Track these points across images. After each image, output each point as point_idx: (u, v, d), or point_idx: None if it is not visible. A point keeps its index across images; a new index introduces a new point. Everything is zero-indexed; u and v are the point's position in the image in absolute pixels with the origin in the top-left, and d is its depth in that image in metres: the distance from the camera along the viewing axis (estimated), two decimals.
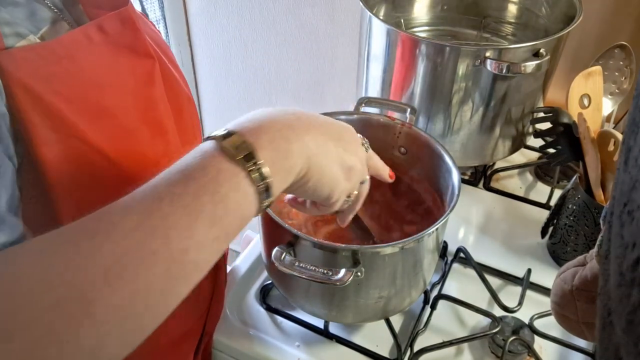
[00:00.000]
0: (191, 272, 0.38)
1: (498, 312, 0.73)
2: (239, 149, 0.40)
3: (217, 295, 0.73)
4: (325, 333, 0.72)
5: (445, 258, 0.81)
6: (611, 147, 0.72)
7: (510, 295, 0.77)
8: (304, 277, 0.55)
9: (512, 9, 1.01)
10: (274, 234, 0.63)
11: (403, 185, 0.77)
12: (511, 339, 0.69)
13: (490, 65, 0.77)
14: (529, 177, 0.99)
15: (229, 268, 0.82)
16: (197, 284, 0.61)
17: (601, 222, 0.52)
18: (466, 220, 0.90)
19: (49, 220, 0.48)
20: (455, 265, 0.82)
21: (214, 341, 0.74)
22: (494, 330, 0.70)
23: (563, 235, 0.79)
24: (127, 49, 0.53)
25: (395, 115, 0.76)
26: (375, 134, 0.77)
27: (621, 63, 0.85)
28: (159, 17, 1.70)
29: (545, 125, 0.81)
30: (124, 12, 0.52)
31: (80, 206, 0.42)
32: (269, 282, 0.77)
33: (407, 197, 0.76)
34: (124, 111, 0.52)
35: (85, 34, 0.50)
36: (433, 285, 0.78)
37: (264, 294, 0.78)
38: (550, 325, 0.71)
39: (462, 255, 0.81)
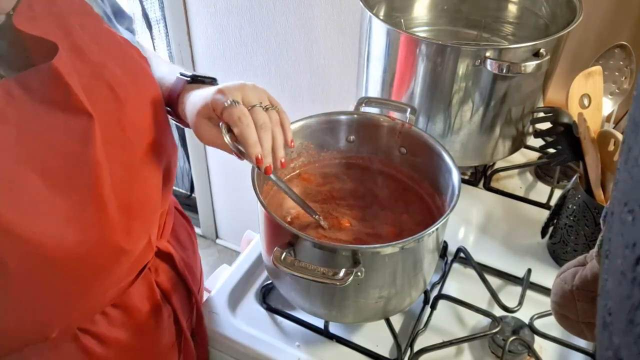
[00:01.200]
0: None
1: (498, 312, 0.73)
2: None
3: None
4: (325, 333, 0.72)
5: (445, 258, 0.81)
6: (611, 147, 0.72)
7: (510, 295, 0.77)
8: (304, 277, 0.55)
9: (512, 9, 1.01)
10: (274, 234, 0.63)
11: (403, 185, 0.77)
12: (511, 339, 0.69)
13: (490, 65, 0.77)
14: (529, 177, 0.99)
15: (229, 269, 0.82)
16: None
17: (601, 222, 0.52)
18: (466, 220, 0.90)
19: None
20: (455, 265, 0.82)
21: (214, 341, 0.74)
22: (494, 330, 0.70)
23: (563, 235, 0.79)
24: (55, 105, 0.49)
25: (395, 115, 0.76)
26: (376, 134, 0.77)
27: (621, 63, 0.85)
28: (159, 17, 1.70)
29: (545, 125, 0.81)
30: (50, 67, 0.48)
31: None
32: (269, 282, 0.77)
33: (407, 197, 0.76)
34: (45, 176, 0.48)
35: (5, 89, 0.46)
36: (433, 285, 0.78)
37: (264, 294, 0.78)
38: (550, 325, 0.71)
39: (462, 255, 0.81)
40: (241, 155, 0.57)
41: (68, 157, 0.50)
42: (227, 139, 0.56)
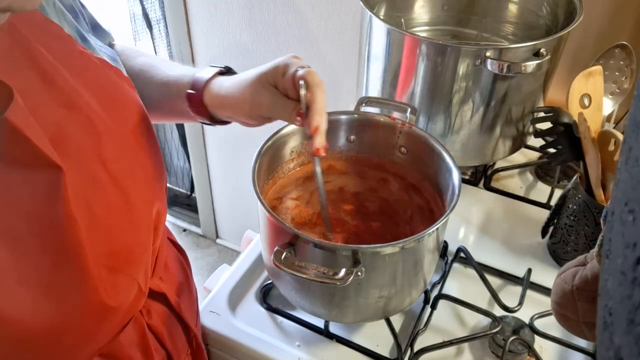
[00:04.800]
0: None
1: (498, 311, 0.73)
2: None
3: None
4: (325, 333, 0.72)
5: (446, 258, 0.81)
6: (612, 147, 0.72)
7: (510, 295, 0.77)
8: (304, 277, 0.55)
9: (513, 8, 1.01)
10: (274, 233, 0.63)
11: (403, 184, 0.77)
12: (511, 338, 0.69)
13: (490, 65, 0.77)
14: (530, 176, 0.99)
15: (229, 269, 0.82)
16: None
17: (602, 221, 0.52)
18: (466, 220, 0.90)
19: None
20: (456, 265, 0.82)
21: (214, 341, 0.74)
22: (494, 330, 0.70)
23: (563, 235, 0.79)
24: (15, 162, 0.44)
25: (396, 115, 0.76)
26: (376, 133, 0.77)
27: (622, 63, 0.85)
28: (159, 17, 1.70)
29: (546, 125, 0.81)
30: (3, 121, 0.42)
31: None
32: (269, 282, 0.77)
33: (407, 197, 0.76)
34: (11, 243, 0.44)
35: None
36: (433, 285, 0.78)
37: (264, 294, 0.78)
38: (550, 325, 0.71)
39: (462, 255, 0.81)
40: (301, 119, 0.58)
41: (34, 219, 0.45)
42: (303, 91, 0.57)
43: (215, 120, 0.65)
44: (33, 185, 0.45)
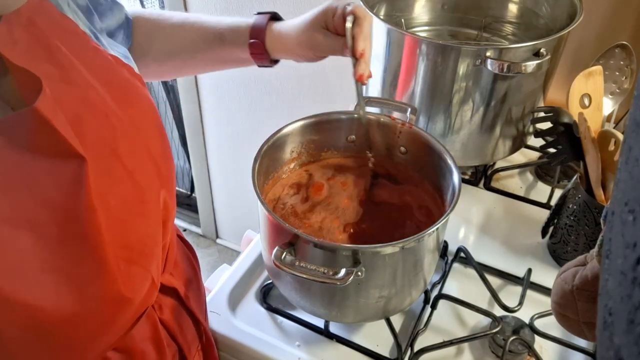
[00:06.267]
0: None
1: (498, 311, 0.73)
2: None
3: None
4: (325, 333, 0.72)
5: (446, 258, 0.81)
6: (612, 147, 0.72)
7: (510, 295, 0.77)
8: (304, 277, 0.55)
9: (513, 8, 1.01)
10: (274, 233, 0.63)
11: (403, 184, 0.77)
12: (511, 338, 0.69)
13: (490, 65, 0.77)
14: (530, 176, 0.99)
15: (229, 269, 0.82)
16: None
17: (602, 221, 0.52)
18: (466, 220, 0.90)
19: None
20: (456, 265, 0.82)
21: (214, 341, 0.74)
22: (495, 330, 0.70)
23: (563, 235, 0.79)
24: (41, 152, 0.44)
25: (396, 115, 0.76)
26: (376, 133, 0.77)
27: (622, 63, 0.85)
28: None
29: (546, 125, 0.81)
30: (32, 110, 0.42)
31: None
32: (269, 282, 0.77)
33: (408, 197, 0.76)
34: (34, 232, 0.44)
35: None
36: (433, 285, 0.78)
37: (264, 293, 0.78)
38: (550, 325, 0.71)
39: (462, 255, 0.81)
40: (348, 49, 0.65)
41: (58, 208, 0.46)
42: (349, 24, 0.63)
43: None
44: (58, 175, 0.45)
